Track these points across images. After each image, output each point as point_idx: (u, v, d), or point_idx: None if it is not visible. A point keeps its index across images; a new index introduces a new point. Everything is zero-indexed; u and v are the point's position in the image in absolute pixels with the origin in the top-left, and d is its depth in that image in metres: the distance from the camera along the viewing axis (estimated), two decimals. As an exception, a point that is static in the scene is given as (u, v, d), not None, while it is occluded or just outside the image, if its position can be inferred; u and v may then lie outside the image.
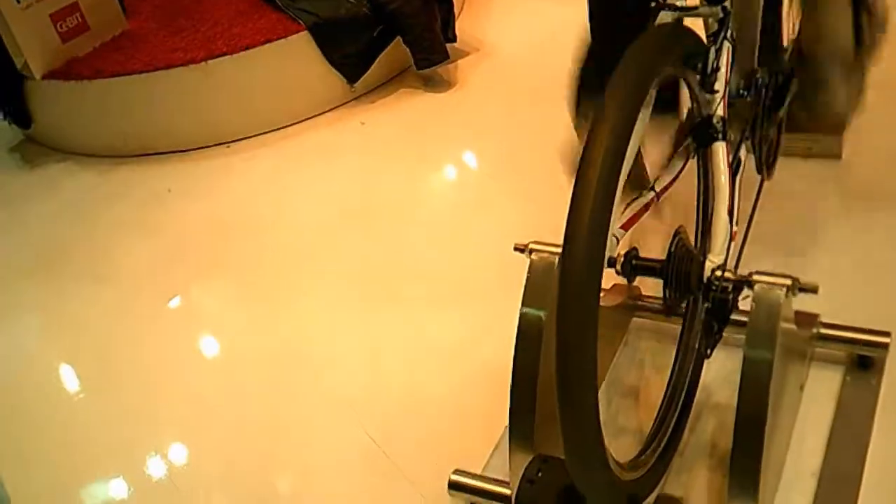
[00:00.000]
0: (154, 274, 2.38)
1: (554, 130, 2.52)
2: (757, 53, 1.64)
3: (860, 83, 2.03)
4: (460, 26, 3.10)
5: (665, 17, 1.40)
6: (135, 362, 2.09)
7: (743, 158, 1.61)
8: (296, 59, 2.88)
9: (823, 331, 1.61)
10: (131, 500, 1.74)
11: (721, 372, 1.63)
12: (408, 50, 2.93)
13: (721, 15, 1.44)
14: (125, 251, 2.50)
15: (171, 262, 2.41)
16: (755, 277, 1.28)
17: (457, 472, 1.54)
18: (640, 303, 1.78)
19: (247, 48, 2.81)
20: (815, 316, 1.60)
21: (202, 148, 2.91)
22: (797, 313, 1.43)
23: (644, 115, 1.26)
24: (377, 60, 2.96)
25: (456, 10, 3.09)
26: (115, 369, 2.07)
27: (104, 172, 2.92)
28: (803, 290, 1.28)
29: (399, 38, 2.93)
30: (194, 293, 2.31)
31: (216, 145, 2.91)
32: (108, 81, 2.85)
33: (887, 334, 1.60)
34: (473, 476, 1.53)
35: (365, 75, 2.95)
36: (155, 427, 1.89)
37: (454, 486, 1.53)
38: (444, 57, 2.93)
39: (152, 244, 2.50)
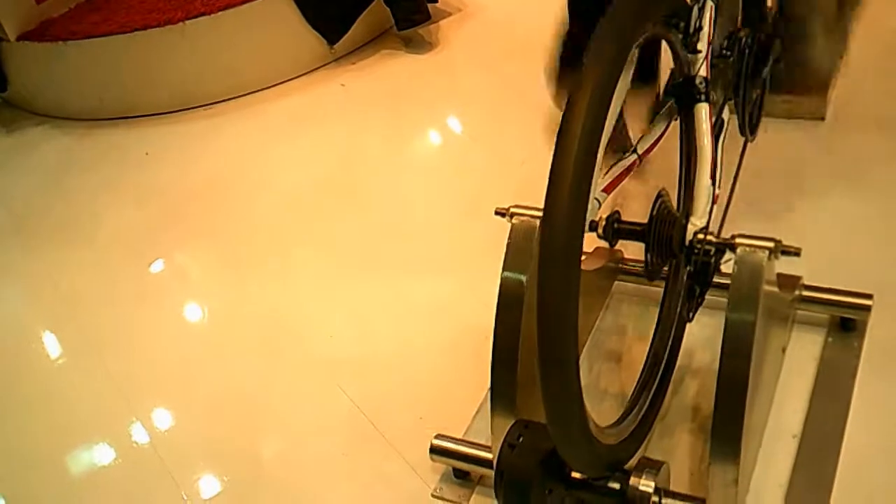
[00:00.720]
0: (134, 238, 2.35)
1: (536, 91, 2.50)
2: (740, 13, 1.62)
3: (843, 41, 2.02)
4: (442, -14, 3.07)
5: (647, -25, 1.37)
6: (115, 328, 2.07)
7: (726, 120, 1.60)
8: (275, 19, 2.84)
9: (806, 293, 1.61)
10: (114, 467, 1.73)
11: (704, 335, 1.63)
12: (389, 10, 2.89)
13: (705, -27, 1.42)
14: (104, 215, 2.47)
15: (151, 227, 2.39)
16: (737, 240, 1.27)
17: (438, 436, 1.53)
18: (622, 266, 1.77)
19: (225, 8, 2.76)
20: (798, 278, 1.60)
21: (180, 111, 2.88)
22: (780, 276, 1.42)
23: (626, 76, 1.24)
24: (357, 21, 2.92)
25: (438, -30, 3.04)
26: (95, 334, 2.06)
27: (81, 136, 2.89)
28: (786, 252, 1.27)
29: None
30: (175, 258, 2.29)
31: (195, 108, 2.88)
32: (83, 43, 2.80)
33: (869, 296, 1.60)
34: (455, 440, 1.53)
35: (345, 37, 2.92)
36: (137, 393, 1.88)
37: (436, 451, 1.52)
38: (426, 17, 2.89)
39: (132, 208, 2.48)
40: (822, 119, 2.12)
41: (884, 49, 2.31)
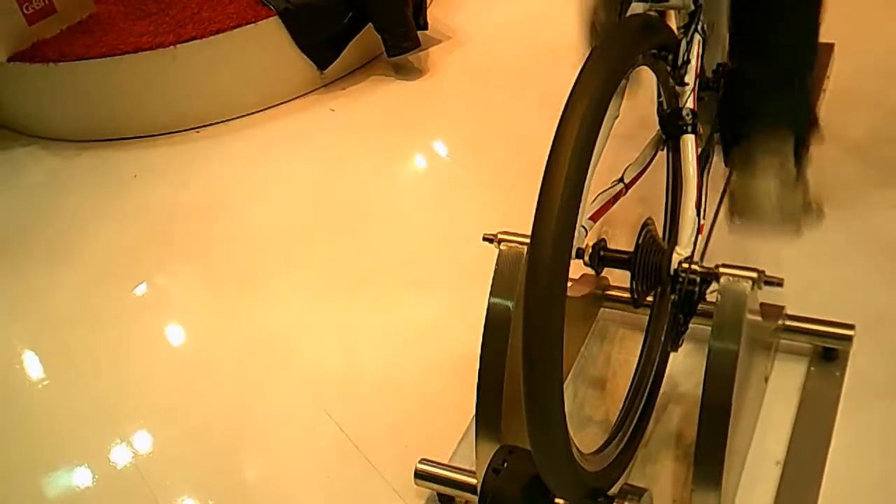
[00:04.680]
0: (120, 260, 2.35)
1: (525, 120, 2.53)
2: (727, 47, 1.65)
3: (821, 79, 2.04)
4: (432, 14, 3.09)
5: (637, 7, 1.40)
6: (99, 349, 2.06)
7: (711, 152, 1.62)
8: (266, 44, 2.85)
9: (789, 323, 1.62)
10: (96, 489, 1.72)
11: (688, 364, 1.65)
12: (379, 37, 2.91)
13: (692, 7, 1.44)
14: (90, 237, 2.47)
15: (138, 249, 2.39)
16: (721, 270, 1.29)
17: (423, 461, 1.54)
18: (608, 294, 1.79)
19: (216, 33, 2.77)
20: (781, 308, 1.62)
21: (170, 133, 2.88)
22: (763, 305, 1.44)
23: (615, 106, 1.26)
24: (348, 47, 2.94)
25: (427, -1, 3.08)
26: (79, 356, 2.05)
27: (70, 157, 2.89)
28: (769, 283, 1.29)
29: (370, 25, 2.91)
30: (160, 280, 2.29)
31: (184, 131, 2.88)
32: (74, 65, 2.80)
33: (851, 327, 1.62)
34: (439, 465, 1.53)
35: (335, 62, 2.94)
36: (121, 415, 1.87)
37: (420, 476, 1.53)
38: (416, 44, 2.91)
39: (118, 230, 2.47)
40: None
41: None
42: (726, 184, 1.63)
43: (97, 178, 2.76)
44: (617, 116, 1.29)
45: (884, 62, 2.46)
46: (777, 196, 1.54)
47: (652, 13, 1.39)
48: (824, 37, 1.62)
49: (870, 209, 1.98)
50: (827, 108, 2.22)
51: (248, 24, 2.79)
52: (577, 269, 1.42)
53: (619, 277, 1.75)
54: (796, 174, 1.57)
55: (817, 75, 2.25)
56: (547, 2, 2.93)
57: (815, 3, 1.55)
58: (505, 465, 1.25)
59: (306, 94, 2.95)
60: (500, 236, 1.43)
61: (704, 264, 1.36)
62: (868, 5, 2.66)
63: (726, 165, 1.64)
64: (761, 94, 1.58)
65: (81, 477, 1.75)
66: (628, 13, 1.37)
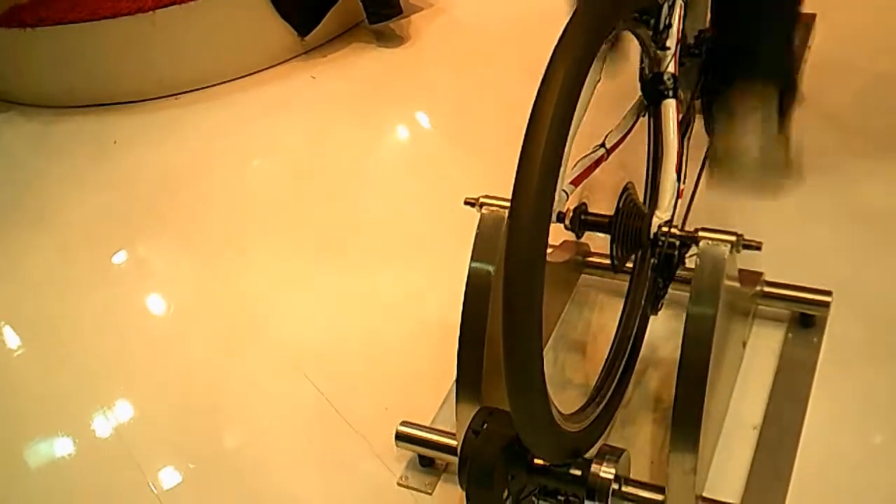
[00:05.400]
0: (100, 227, 2.34)
1: (508, 86, 2.52)
2: (709, 13, 1.64)
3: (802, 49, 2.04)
4: (414, -19, 3.08)
5: (618, -29, 1.39)
6: (79, 316, 2.06)
7: (692, 118, 1.62)
8: (246, 10, 2.83)
9: (767, 289, 1.64)
10: (76, 457, 1.72)
11: (668, 328, 1.66)
12: (360, 4, 2.89)
13: (674, -29, 1.44)
14: (69, 204, 2.45)
15: (117, 215, 2.37)
16: (700, 234, 1.30)
17: (404, 423, 1.55)
18: (588, 260, 1.79)
19: (196, -1, 2.75)
20: (759, 274, 1.63)
21: (150, 100, 2.86)
22: (742, 272, 1.45)
23: (596, 70, 1.26)
24: (329, 14, 2.92)
25: (410, -34, 3.06)
26: (58, 323, 2.04)
27: (49, 123, 2.86)
28: (747, 246, 1.30)
29: (352, -8, 2.90)
30: (140, 247, 2.28)
31: (164, 97, 2.86)
32: (52, 30, 2.78)
33: (829, 293, 1.63)
34: (420, 427, 1.54)
35: (316, 29, 2.92)
36: (100, 382, 1.86)
37: (401, 438, 1.54)
38: (398, 12, 2.90)
39: (98, 197, 2.46)
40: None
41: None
42: (707, 149, 1.64)
43: (76, 144, 2.74)
44: (599, 81, 1.29)
45: (865, 31, 2.46)
46: (758, 151, 1.55)
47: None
48: (807, 6, 1.63)
49: (849, 176, 1.99)
50: (808, 77, 2.23)
51: (228, -11, 2.77)
52: (558, 235, 1.43)
53: (599, 245, 1.76)
54: (778, 129, 1.57)
55: (800, 43, 2.26)
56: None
57: None
58: (485, 426, 1.25)
59: (287, 60, 2.94)
60: (481, 200, 1.43)
61: (685, 228, 1.37)
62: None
63: (707, 132, 1.64)
64: (742, 50, 1.58)
65: (62, 446, 1.74)
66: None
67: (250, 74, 2.89)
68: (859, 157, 2.05)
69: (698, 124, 1.69)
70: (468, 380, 1.39)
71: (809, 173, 1.76)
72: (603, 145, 1.46)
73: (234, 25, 2.84)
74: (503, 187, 1.12)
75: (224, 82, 2.87)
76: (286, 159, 2.48)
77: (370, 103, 2.68)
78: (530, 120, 1.11)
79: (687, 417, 1.27)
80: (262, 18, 2.84)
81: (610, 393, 1.46)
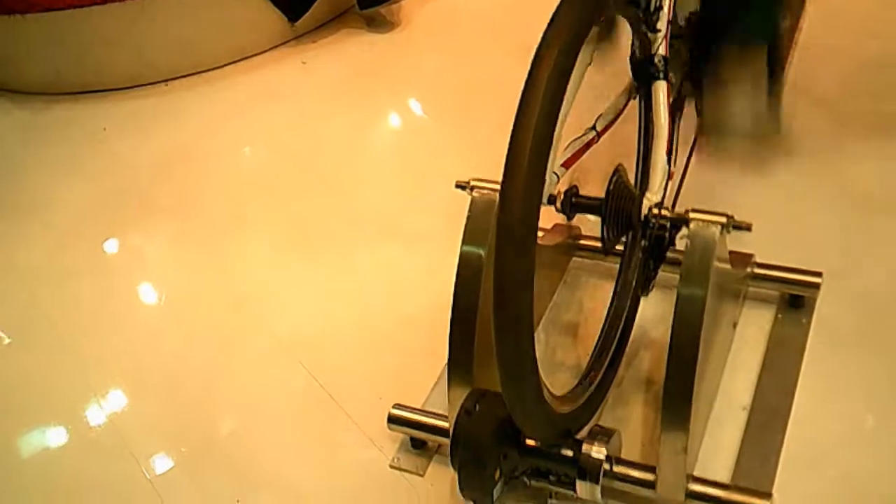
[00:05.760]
0: (90, 215, 2.33)
1: (499, 71, 2.52)
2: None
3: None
4: (404, -35, 3.07)
5: (608, -47, 1.39)
6: (70, 307, 2.05)
7: (683, 100, 1.63)
8: (237, -3, 2.82)
9: (757, 270, 1.64)
10: (71, 447, 1.71)
11: (659, 310, 1.66)
12: (350, -11, 2.89)
13: (664, -47, 1.44)
14: (59, 192, 2.44)
15: (108, 203, 2.36)
16: (691, 215, 1.30)
17: (396, 405, 1.55)
18: (579, 242, 1.80)
19: (186, -16, 2.74)
20: (750, 256, 1.64)
21: (139, 86, 2.84)
22: (732, 253, 1.46)
23: (587, 53, 1.26)
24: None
25: (400, -50, 3.04)
26: (50, 312, 2.03)
27: (38, 110, 2.85)
28: (737, 227, 1.30)
29: (342, -23, 2.89)
30: (131, 235, 2.27)
31: (154, 84, 2.84)
32: (40, 16, 2.75)
33: (819, 274, 1.64)
34: (412, 409, 1.55)
35: (306, 14, 2.90)
36: (92, 371, 1.86)
37: (393, 420, 1.54)
38: (388, -4, 2.90)
39: (88, 184, 2.45)
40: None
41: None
42: (697, 131, 1.64)
43: (66, 131, 2.72)
44: (590, 63, 1.29)
45: (853, 14, 2.47)
46: (749, 114, 1.55)
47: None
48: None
49: (838, 158, 2.00)
50: (798, 60, 2.23)
51: (218, -25, 2.76)
52: (550, 218, 1.43)
53: (590, 228, 1.77)
54: (768, 95, 1.57)
55: (790, 25, 2.26)
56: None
57: None
58: (477, 407, 1.26)
59: (277, 46, 2.92)
60: (472, 183, 1.43)
61: (676, 210, 1.38)
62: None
63: (697, 112, 1.65)
64: (730, 11, 1.58)
65: (56, 435, 1.74)
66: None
67: (240, 60, 2.88)
68: (849, 138, 2.05)
69: (689, 107, 1.70)
70: (460, 362, 1.40)
71: (799, 155, 1.77)
72: (594, 128, 1.47)
73: (223, 11, 2.82)
74: (496, 171, 1.13)
75: (214, 68, 2.85)
76: (277, 146, 2.48)
77: (361, 89, 2.68)
78: (520, 104, 1.11)
79: (677, 398, 1.27)
80: (252, 4, 2.83)
81: (601, 374, 1.47)
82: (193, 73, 2.85)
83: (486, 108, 2.38)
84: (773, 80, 1.59)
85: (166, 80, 2.84)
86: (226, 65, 2.87)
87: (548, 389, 1.21)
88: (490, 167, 1.30)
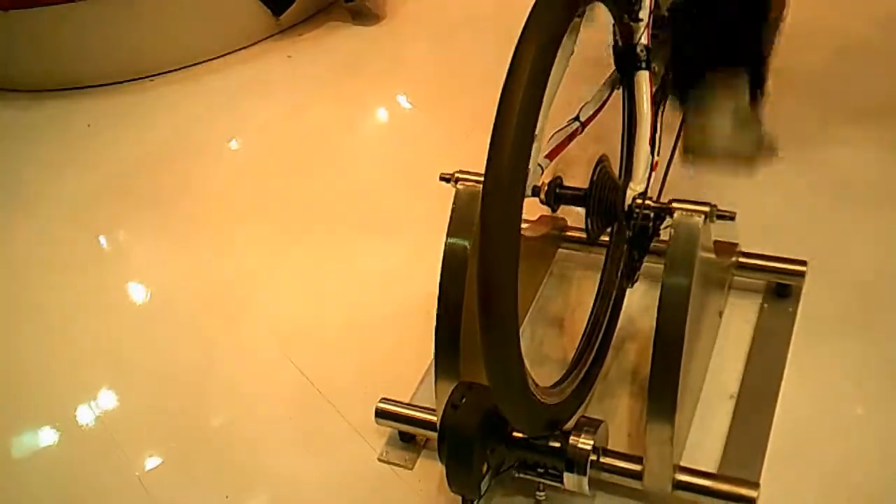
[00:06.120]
0: (77, 210, 2.32)
1: (485, 62, 2.52)
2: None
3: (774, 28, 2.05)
4: (390, -43, 3.06)
5: (590, -56, 1.39)
6: (59, 301, 2.04)
7: (666, 90, 1.62)
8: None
9: (742, 259, 1.65)
10: (61, 446, 1.70)
11: (646, 301, 1.67)
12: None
13: (646, -57, 1.44)
14: (46, 188, 2.43)
15: (95, 199, 2.35)
16: (674, 205, 1.30)
17: (384, 399, 1.55)
18: (565, 234, 1.80)
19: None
20: (735, 245, 1.64)
21: (126, 81, 2.83)
22: (717, 243, 1.46)
23: (569, 43, 1.26)
24: (304, -7, 2.90)
25: (385, -58, 3.03)
26: (37, 309, 2.03)
27: (23, 107, 2.84)
28: (721, 216, 1.30)
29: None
30: (119, 230, 2.27)
31: (140, 79, 2.83)
32: (25, 12, 2.74)
33: (804, 263, 1.65)
34: (400, 404, 1.54)
35: (291, 8, 2.89)
36: (81, 366, 1.86)
37: (381, 414, 1.54)
38: (372, -11, 2.89)
39: (76, 180, 2.44)
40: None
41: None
42: (681, 122, 1.64)
43: (52, 127, 2.71)
44: (572, 53, 1.28)
45: (841, 2, 2.47)
46: (731, 132, 1.56)
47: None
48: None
49: (822, 146, 2.01)
50: (783, 48, 2.22)
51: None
52: (536, 209, 1.43)
53: (576, 219, 1.76)
54: (750, 111, 1.58)
55: (774, 17, 2.26)
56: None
57: None
58: (464, 400, 1.26)
59: (262, 40, 2.92)
60: (457, 175, 1.43)
61: (659, 201, 1.38)
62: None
63: (681, 104, 1.65)
64: (715, 34, 1.59)
65: (43, 432, 1.73)
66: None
67: (226, 55, 2.87)
68: (832, 126, 2.06)
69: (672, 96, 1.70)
70: (446, 355, 1.39)
71: (784, 143, 1.77)
72: (577, 119, 1.46)
73: (208, 6, 2.82)
74: (482, 162, 1.13)
75: (199, 63, 2.85)
76: (264, 140, 2.47)
77: (347, 82, 2.67)
78: (502, 95, 1.11)
79: (663, 388, 1.27)
80: (237, -1, 2.82)
81: (587, 366, 1.47)
82: (179, 68, 2.84)
83: (473, 98, 2.36)
84: (755, 101, 1.60)
85: (152, 76, 2.84)
86: (211, 59, 2.86)
87: (534, 381, 1.21)
88: (477, 157, 1.29)
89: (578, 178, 1.36)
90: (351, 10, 2.94)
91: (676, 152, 1.62)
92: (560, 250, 1.82)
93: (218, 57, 2.86)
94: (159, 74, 2.83)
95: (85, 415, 1.75)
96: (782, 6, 2.35)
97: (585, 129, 1.46)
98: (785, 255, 1.66)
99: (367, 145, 2.41)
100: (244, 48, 2.89)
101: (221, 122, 2.59)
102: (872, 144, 2.01)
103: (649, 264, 1.44)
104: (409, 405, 1.55)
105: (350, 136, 2.44)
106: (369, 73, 2.70)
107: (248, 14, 2.86)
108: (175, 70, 2.83)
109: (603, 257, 1.62)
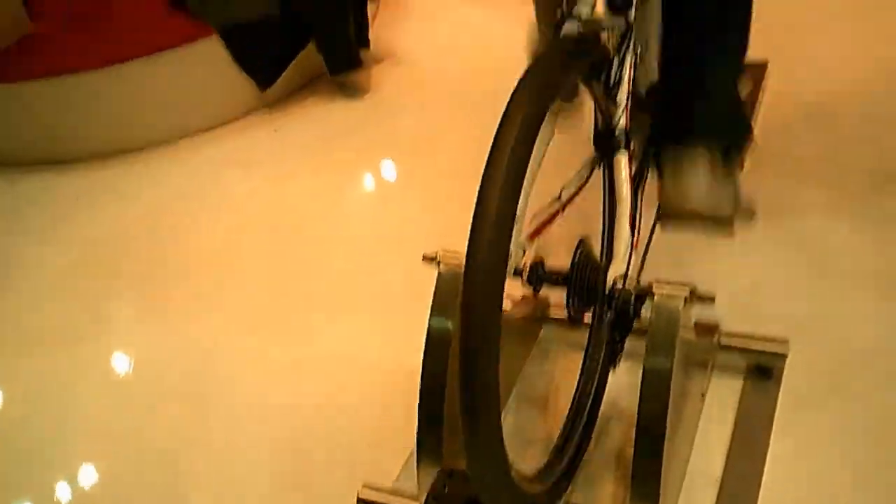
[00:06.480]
0: (61, 285, 2.32)
1: (468, 136, 2.53)
2: (658, 66, 1.66)
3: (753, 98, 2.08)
4: (374, 32, 3.10)
5: (570, 27, 1.41)
6: (36, 380, 2.02)
7: (646, 168, 1.63)
8: (207, 63, 2.83)
9: (724, 340, 1.64)
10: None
11: (630, 381, 1.65)
12: (321, 56, 2.90)
13: (624, 27, 1.46)
14: (31, 261, 2.43)
15: (79, 274, 2.35)
16: (654, 287, 1.30)
17: (366, 486, 1.52)
18: (548, 313, 1.79)
19: (157, 52, 2.75)
20: (715, 326, 1.63)
21: (112, 156, 2.83)
22: (698, 324, 1.46)
23: (549, 125, 1.27)
24: (290, 66, 2.92)
25: (370, 16, 3.07)
26: (18, 383, 2.01)
27: (13, 181, 2.84)
28: (700, 299, 1.30)
29: (312, 44, 2.90)
30: (102, 306, 2.25)
31: (125, 153, 2.83)
32: (10, 87, 2.76)
33: (785, 342, 1.64)
34: (382, 491, 1.52)
35: (278, 81, 2.92)
36: (57, 446, 1.83)
37: (363, 502, 1.51)
38: (358, 63, 2.91)
39: (58, 255, 2.43)
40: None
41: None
42: (659, 188, 1.65)
43: (38, 201, 2.71)
44: (552, 134, 1.29)
45: (817, 78, 2.50)
46: (706, 203, 1.56)
47: (585, 32, 1.41)
48: (760, 53, 1.64)
49: (800, 218, 2.01)
50: (761, 120, 2.25)
51: (188, 42, 2.77)
52: (519, 288, 1.43)
53: (559, 298, 1.75)
54: (726, 178, 1.59)
55: (752, 90, 2.29)
56: (490, 19, 2.94)
57: (741, 25, 1.59)
58: (445, 489, 1.24)
59: (249, 113, 2.93)
60: (439, 257, 1.43)
61: (641, 279, 1.37)
62: (799, 27, 2.72)
63: (659, 175, 1.65)
64: (686, 109, 1.61)
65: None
66: (562, 34, 1.38)
67: (212, 128, 2.88)
68: (809, 198, 2.06)
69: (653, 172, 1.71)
70: (428, 440, 1.38)
71: (762, 213, 1.77)
72: (559, 198, 1.47)
73: (194, 80, 2.84)
74: (466, 238, 1.13)
75: (186, 137, 2.86)
76: (248, 214, 2.47)
77: (333, 156, 2.68)
78: (483, 177, 1.11)
79: (646, 472, 1.26)
80: (223, 72, 2.83)
81: (571, 451, 1.45)
82: (164, 143, 2.85)
83: (457, 172, 2.37)
84: (731, 166, 1.61)
85: (139, 150, 2.84)
86: (198, 133, 2.87)
87: (516, 469, 1.19)
88: (460, 233, 1.29)
89: (562, 252, 1.36)
90: (336, 83, 2.97)
91: (657, 227, 1.62)
92: (544, 329, 1.81)
93: (205, 130, 2.87)
94: (147, 148, 2.84)
95: (63, 494, 1.72)
96: (759, 79, 2.40)
97: (566, 209, 1.47)
98: (764, 331, 1.65)
99: (353, 219, 2.41)
100: (231, 121, 2.90)
101: (207, 196, 2.59)
102: (848, 217, 2.01)
103: (634, 342, 1.43)
104: (390, 492, 1.51)
105: (333, 211, 2.44)
106: (355, 146, 2.71)
107: (234, 87, 2.88)
108: (161, 144, 2.84)
109: (587, 335, 1.61)
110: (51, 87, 2.75)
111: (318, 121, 2.86)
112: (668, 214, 1.62)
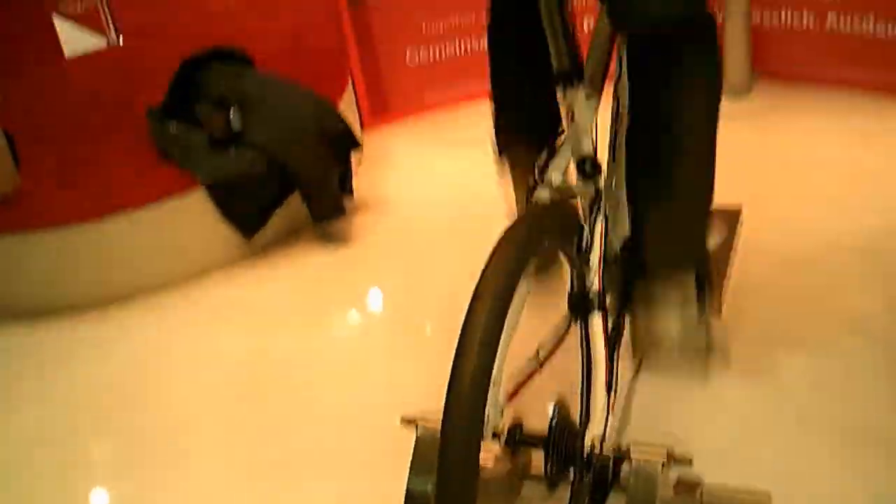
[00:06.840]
0: (35, 445, 2.29)
1: (454, 286, 2.56)
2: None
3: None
4: (359, 180, 3.16)
5: (541, 194, 1.47)
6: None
7: (622, 325, 1.66)
8: (191, 213, 2.86)
9: (707, 497, 1.62)
10: None
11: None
12: (305, 204, 2.95)
13: (594, 193, 1.51)
14: (4, 421, 2.40)
15: (54, 432, 2.32)
16: (632, 450, 1.31)
17: None
18: (529, 470, 1.78)
19: (143, 205, 2.80)
20: (697, 484, 1.62)
21: (92, 309, 2.81)
22: (680, 482, 1.45)
23: (523, 290, 1.30)
24: (274, 216, 2.97)
25: (354, 166, 3.15)
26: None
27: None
28: (678, 462, 1.31)
29: (296, 193, 2.96)
30: (77, 465, 2.22)
31: (107, 305, 2.81)
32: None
33: (768, 494, 1.63)
34: None
35: (262, 231, 2.96)
36: None
37: None
38: (341, 212, 2.97)
39: (34, 412, 2.41)
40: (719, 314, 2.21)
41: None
42: (632, 339, 1.67)
43: (15, 358, 2.69)
44: (528, 294, 1.32)
45: (791, 223, 2.56)
46: (679, 336, 1.59)
47: (556, 199, 1.46)
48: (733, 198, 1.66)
49: (779, 369, 2.02)
50: (737, 267, 2.29)
51: (173, 196, 2.82)
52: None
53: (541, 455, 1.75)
54: (698, 314, 1.62)
55: (727, 236, 2.33)
56: (470, 171, 3.00)
57: (705, 185, 1.65)
58: None
59: (233, 263, 2.95)
60: (418, 420, 1.44)
61: (619, 439, 1.38)
62: (772, 173, 2.80)
63: (632, 314, 1.67)
64: (660, 241, 1.65)
65: None
66: (534, 200, 1.44)
67: (195, 278, 2.89)
68: (786, 348, 2.08)
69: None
70: None
71: (737, 362, 1.79)
72: (536, 357, 1.49)
73: (178, 230, 2.87)
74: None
75: (169, 288, 2.86)
76: (230, 366, 2.46)
77: (315, 304, 2.69)
78: (460, 340, 1.14)
79: None
80: (208, 222, 2.87)
81: None
82: (148, 294, 2.84)
83: (442, 323, 2.40)
84: (702, 299, 1.65)
85: (119, 302, 2.83)
86: (181, 283, 2.87)
87: None
88: (441, 390, 1.30)
89: (541, 408, 1.36)
90: (321, 232, 3.01)
91: (636, 384, 1.64)
92: (525, 486, 1.79)
93: (189, 280, 2.88)
94: (128, 300, 2.83)
95: None
96: (734, 225, 2.45)
97: (543, 368, 1.49)
98: (747, 483, 1.64)
99: (336, 372, 2.38)
100: (215, 271, 2.91)
101: (188, 350, 2.57)
102: (824, 367, 2.03)
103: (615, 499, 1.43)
104: None
105: (319, 363, 2.43)
106: (339, 295, 2.73)
107: (218, 237, 2.90)
108: (145, 295, 2.83)
109: (568, 494, 1.60)
110: (36, 241, 2.77)
111: (302, 269, 2.87)
112: (641, 351, 1.64)
